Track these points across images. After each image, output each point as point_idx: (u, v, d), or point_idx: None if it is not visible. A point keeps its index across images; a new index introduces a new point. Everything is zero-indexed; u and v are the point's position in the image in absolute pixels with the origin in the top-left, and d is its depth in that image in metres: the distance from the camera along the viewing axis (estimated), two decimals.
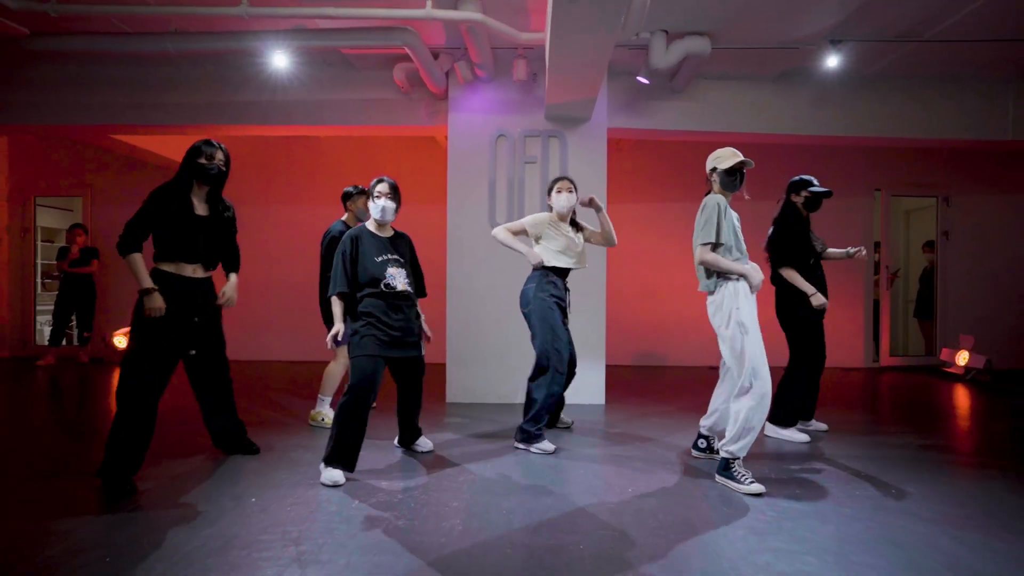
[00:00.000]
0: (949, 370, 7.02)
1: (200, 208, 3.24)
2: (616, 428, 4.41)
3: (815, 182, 4.09)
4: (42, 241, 8.35)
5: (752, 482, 3.07)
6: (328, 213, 4.56)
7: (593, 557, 2.34)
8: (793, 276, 4.00)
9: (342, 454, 3.16)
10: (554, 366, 3.70)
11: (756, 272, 3.20)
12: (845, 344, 7.60)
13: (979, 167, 7.58)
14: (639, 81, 5.25)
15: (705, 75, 5.69)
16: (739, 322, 3.12)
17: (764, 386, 3.06)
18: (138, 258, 3.05)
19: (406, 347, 3.36)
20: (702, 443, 3.66)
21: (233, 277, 3.47)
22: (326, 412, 4.37)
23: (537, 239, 3.85)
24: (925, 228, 8.46)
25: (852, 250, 4.10)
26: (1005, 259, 7.63)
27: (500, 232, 3.82)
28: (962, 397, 5.84)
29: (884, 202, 7.70)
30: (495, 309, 5.21)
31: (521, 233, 3.85)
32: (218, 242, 3.33)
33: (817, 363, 4.17)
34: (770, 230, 4.16)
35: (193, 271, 3.23)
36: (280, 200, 7.81)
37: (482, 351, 5.26)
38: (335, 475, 3.13)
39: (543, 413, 3.75)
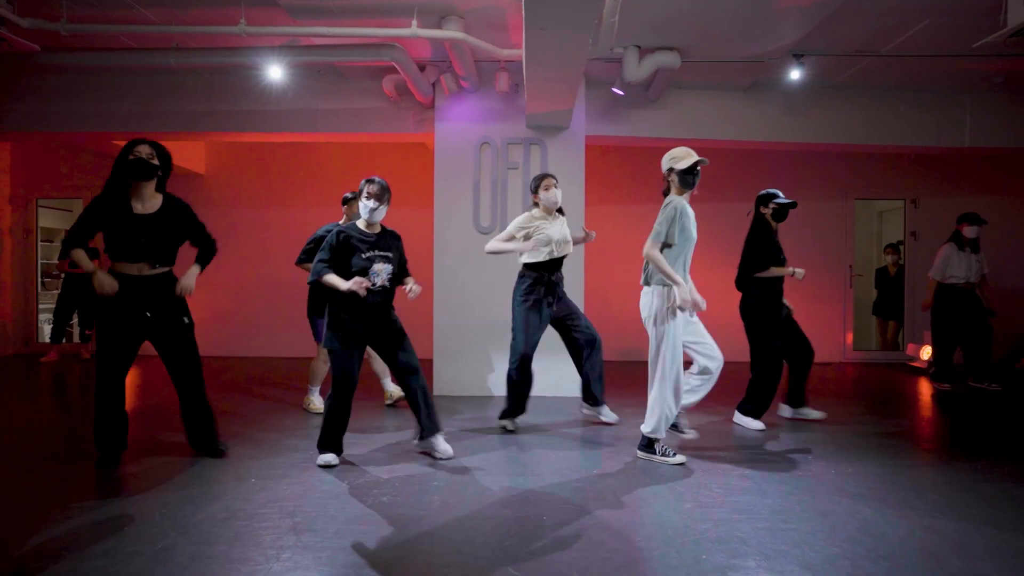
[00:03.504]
0: (914, 364, 7.38)
1: (141, 207, 3.32)
2: (591, 418, 4.73)
3: (780, 195, 4.43)
4: (42, 241, 8.61)
5: (675, 454, 3.57)
6: (323, 215, 4.88)
7: (553, 526, 2.67)
8: (773, 271, 4.38)
9: (331, 441, 3.52)
10: (511, 356, 4.17)
11: (685, 292, 3.39)
12: (822, 340, 7.95)
13: (945, 170, 7.94)
14: (614, 92, 5.58)
15: (679, 85, 6.01)
16: (663, 323, 3.46)
17: (676, 379, 3.49)
18: (79, 251, 3.29)
19: (378, 328, 3.51)
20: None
21: (193, 268, 3.48)
22: (314, 400, 4.83)
23: (527, 238, 4.17)
24: (898, 229, 8.81)
25: (798, 272, 4.43)
26: None
27: (492, 244, 4.19)
28: (921, 389, 6.19)
29: (850, 203, 8.08)
30: (479, 306, 5.53)
31: (510, 239, 4.18)
32: (166, 238, 3.38)
33: (800, 357, 4.60)
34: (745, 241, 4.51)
35: (138, 270, 3.33)
36: (277, 203, 8.10)
37: (468, 346, 5.59)
38: (328, 457, 3.48)
39: (509, 391, 4.26)
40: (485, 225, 5.61)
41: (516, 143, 5.63)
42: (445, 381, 5.61)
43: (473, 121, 5.64)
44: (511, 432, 4.30)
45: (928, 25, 4.74)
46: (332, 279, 3.37)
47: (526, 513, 2.81)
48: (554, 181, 4.23)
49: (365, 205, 3.46)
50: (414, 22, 4.36)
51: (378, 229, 3.59)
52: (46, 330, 8.32)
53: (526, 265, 4.20)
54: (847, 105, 6.31)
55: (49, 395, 5.85)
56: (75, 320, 7.91)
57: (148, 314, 3.37)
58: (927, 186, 8.04)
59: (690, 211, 3.54)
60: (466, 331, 5.60)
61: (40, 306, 8.46)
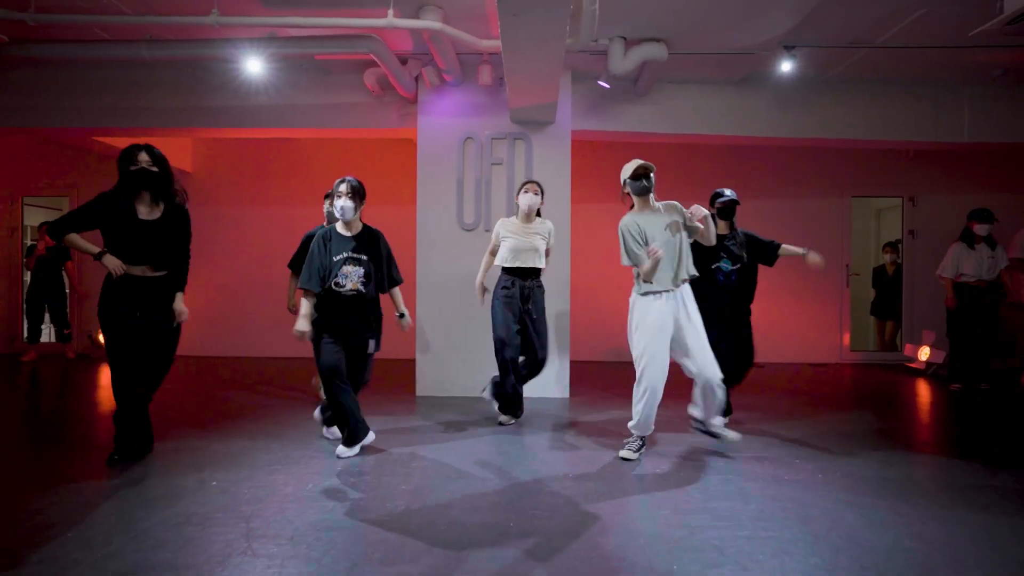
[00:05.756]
0: (912, 365, 7.22)
1: (146, 212, 3.39)
2: (574, 419, 4.59)
3: (727, 192, 4.26)
4: (31, 241, 8.50)
5: (636, 451, 3.60)
6: (307, 213, 4.75)
7: (520, 533, 2.53)
8: None
9: (355, 427, 3.55)
10: (496, 348, 4.28)
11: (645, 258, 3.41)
12: (818, 340, 7.84)
13: (944, 167, 7.78)
14: (600, 85, 5.44)
15: (668, 79, 5.87)
16: (640, 332, 3.49)
17: (651, 383, 3.45)
18: (74, 235, 3.34)
19: (352, 336, 3.53)
20: (698, 425, 3.86)
21: (178, 296, 3.50)
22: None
23: (492, 251, 4.42)
24: (896, 227, 8.66)
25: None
26: None
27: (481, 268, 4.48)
28: (919, 390, 6.04)
29: (847, 201, 7.93)
30: (463, 304, 5.38)
31: (494, 246, 4.39)
32: (168, 243, 3.43)
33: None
34: None
35: (142, 271, 3.37)
36: (266, 200, 7.97)
37: (450, 345, 5.45)
38: (368, 438, 3.63)
39: (498, 378, 4.36)
40: (469, 222, 5.48)
41: (500, 138, 5.50)
42: (428, 380, 5.47)
43: (456, 116, 5.51)
44: (504, 425, 4.39)
45: (924, 14, 4.58)
46: (303, 306, 3.46)
47: (493, 519, 2.67)
48: (535, 187, 4.31)
49: (338, 204, 3.46)
50: (390, 12, 4.23)
51: (358, 229, 3.58)
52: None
53: (501, 266, 4.33)
54: (842, 99, 6.15)
55: (17, 394, 5.73)
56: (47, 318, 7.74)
57: (137, 314, 3.38)
58: (925, 183, 7.88)
59: (646, 217, 3.54)
60: (449, 330, 5.47)
61: (26, 305, 8.32)
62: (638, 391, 3.52)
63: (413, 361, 5.57)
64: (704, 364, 3.49)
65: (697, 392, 3.68)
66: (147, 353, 3.42)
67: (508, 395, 4.33)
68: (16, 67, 5.79)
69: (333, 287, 3.45)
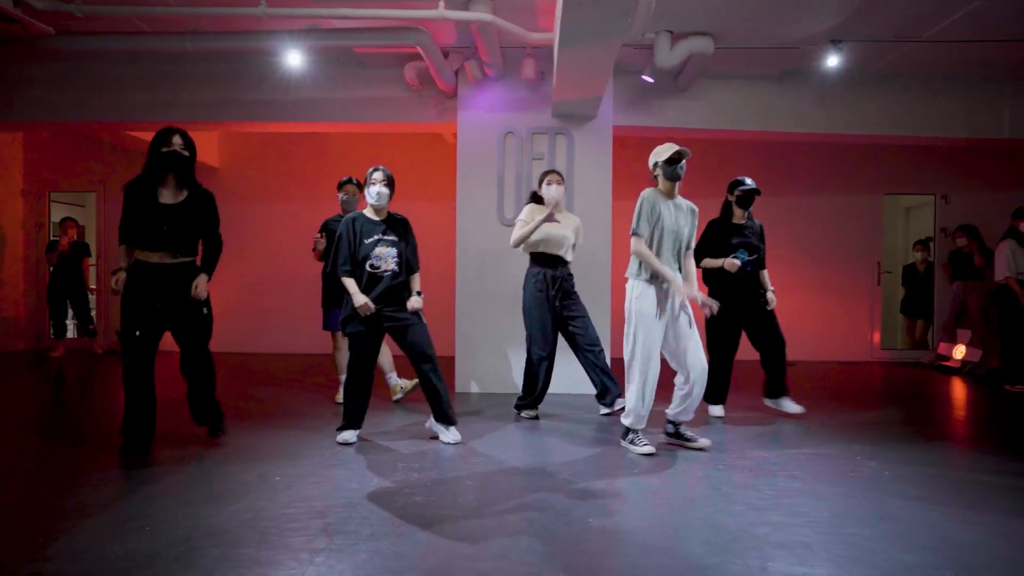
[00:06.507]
0: (946, 364, 7.15)
1: (168, 196, 3.36)
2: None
3: (747, 181, 4.30)
4: (54, 237, 8.49)
5: (645, 444, 3.52)
6: (335, 209, 4.71)
7: (600, 529, 2.49)
8: (706, 263, 4.31)
9: (349, 418, 3.66)
10: (531, 349, 4.29)
11: (679, 287, 3.41)
12: (848, 338, 7.78)
13: (978, 165, 7.69)
14: (644, 80, 5.39)
15: (709, 74, 5.81)
16: (636, 321, 3.45)
17: (645, 374, 3.43)
18: (121, 248, 3.40)
19: (391, 319, 3.59)
20: (670, 428, 3.77)
21: (201, 277, 3.43)
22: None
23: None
24: (925, 225, 8.58)
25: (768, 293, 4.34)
26: None
27: (514, 236, 4.26)
28: (957, 390, 5.97)
29: (879, 199, 7.87)
30: (503, 300, 5.33)
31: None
32: (189, 229, 3.39)
33: (719, 353, 4.39)
34: None
35: (160, 258, 3.34)
36: (293, 197, 7.94)
37: (491, 342, 5.40)
38: (346, 435, 3.64)
39: (524, 388, 4.38)
40: (509, 217, 5.43)
41: (541, 133, 5.45)
42: (468, 378, 5.43)
43: (497, 110, 5.47)
44: (533, 419, 4.38)
45: (977, 7, 4.52)
46: (349, 285, 3.54)
47: (570, 514, 2.63)
48: (557, 176, 4.26)
49: (372, 191, 3.58)
50: (441, 3, 4.19)
51: (385, 215, 3.68)
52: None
53: (529, 254, 4.33)
54: (881, 95, 6.09)
55: (56, 389, 5.71)
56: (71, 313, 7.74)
57: (157, 305, 3.36)
58: (958, 181, 7.80)
59: (665, 202, 3.50)
60: (490, 327, 5.42)
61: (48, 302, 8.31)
62: (634, 386, 3.50)
63: (452, 358, 5.53)
64: (691, 356, 3.49)
65: (677, 390, 3.62)
66: (188, 343, 3.48)
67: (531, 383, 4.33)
68: (52, 61, 5.76)
69: (369, 269, 3.53)
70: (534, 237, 4.19)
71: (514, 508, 2.70)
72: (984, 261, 6.81)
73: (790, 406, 4.43)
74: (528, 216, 4.23)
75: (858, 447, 3.75)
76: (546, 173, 4.26)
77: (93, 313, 7.83)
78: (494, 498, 2.82)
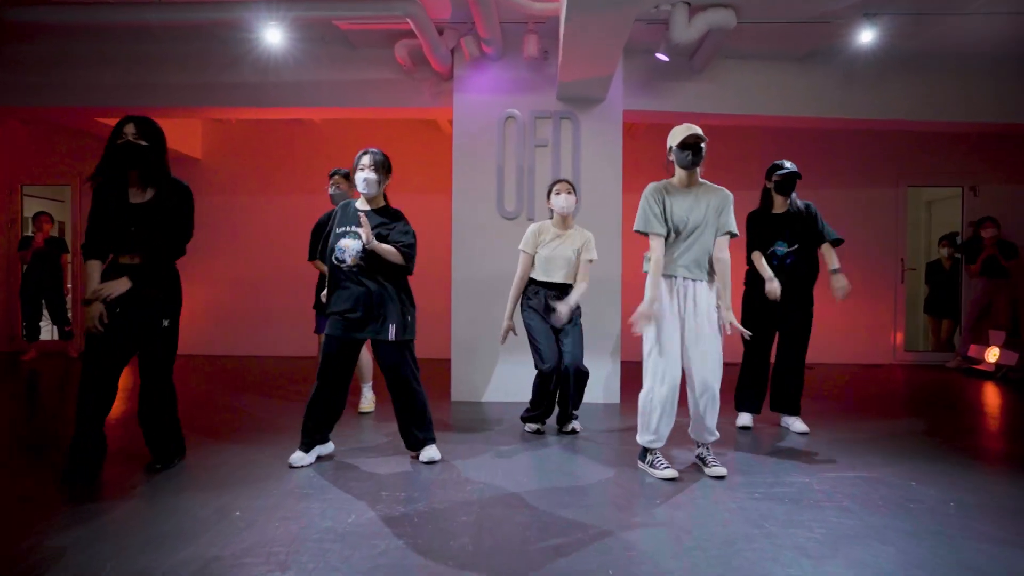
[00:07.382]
0: (978, 367, 6.67)
1: (137, 195, 2.97)
2: (630, 426, 4.08)
3: (786, 165, 3.91)
4: (28, 233, 8.02)
5: (666, 467, 3.09)
6: (327, 202, 4.26)
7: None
8: (755, 257, 3.94)
9: (305, 434, 3.22)
10: (536, 363, 3.82)
11: (644, 305, 2.98)
12: (870, 339, 7.32)
13: (1008, 155, 7.21)
14: (658, 58, 4.91)
15: (727, 54, 5.33)
16: (644, 324, 3.06)
17: (655, 376, 3.05)
18: (94, 263, 2.96)
19: (363, 329, 3.14)
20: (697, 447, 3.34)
21: (123, 280, 2.92)
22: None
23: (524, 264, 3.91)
24: (948, 219, 8.10)
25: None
26: None
27: (513, 285, 3.94)
28: (998, 397, 5.51)
29: (903, 191, 7.39)
30: (503, 301, 4.85)
31: (525, 264, 3.88)
32: (161, 229, 2.98)
33: (752, 354, 4.00)
34: None
35: (130, 259, 2.97)
36: (279, 189, 7.46)
37: (489, 347, 4.93)
38: (295, 457, 3.19)
39: (532, 400, 3.94)
40: (510, 209, 4.96)
41: (545, 117, 4.97)
42: (464, 384, 4.96)
43: (496, 92, 4.98)
44: (537, 432, 3.97)
45: None
46: (321, 264, 3.30)
47: (586, 565, 2.16)
48: (567, 185, 3.85)
49: (359, 177, 3.17)
50: None
51: (379, 205, 3.26)
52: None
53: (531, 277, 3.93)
54: (911, 77, 5.60)
55: (17, 399, 5.25)
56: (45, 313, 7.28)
57: (117, 309, 2.92)
58: (988, 172, 7.32)
59: (680, 193, 3.09)
60: (488, 331, 4.93)
61: (21, 301, 7.83)
62: (643, 393, 3.14)
63: (447, 361, 5.06)
64: (697, 367, 3.07)
65: (692, 407, 3.14)
66: (141, 364, 3.06)
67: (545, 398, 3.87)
68: (9, 40, 5.26)
69: (334, 262, 3.15)
70: (539, 258, 3.83)
71: (516, 552, 2.24)
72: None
73: (796, 424, 4.05)
74: (532, 239, 3.85)
75: (907, 468, 3.28)
76: (555, 183, 3.88)
77: (69, 314, 7.37)
78: (493, 543, 2.35)
